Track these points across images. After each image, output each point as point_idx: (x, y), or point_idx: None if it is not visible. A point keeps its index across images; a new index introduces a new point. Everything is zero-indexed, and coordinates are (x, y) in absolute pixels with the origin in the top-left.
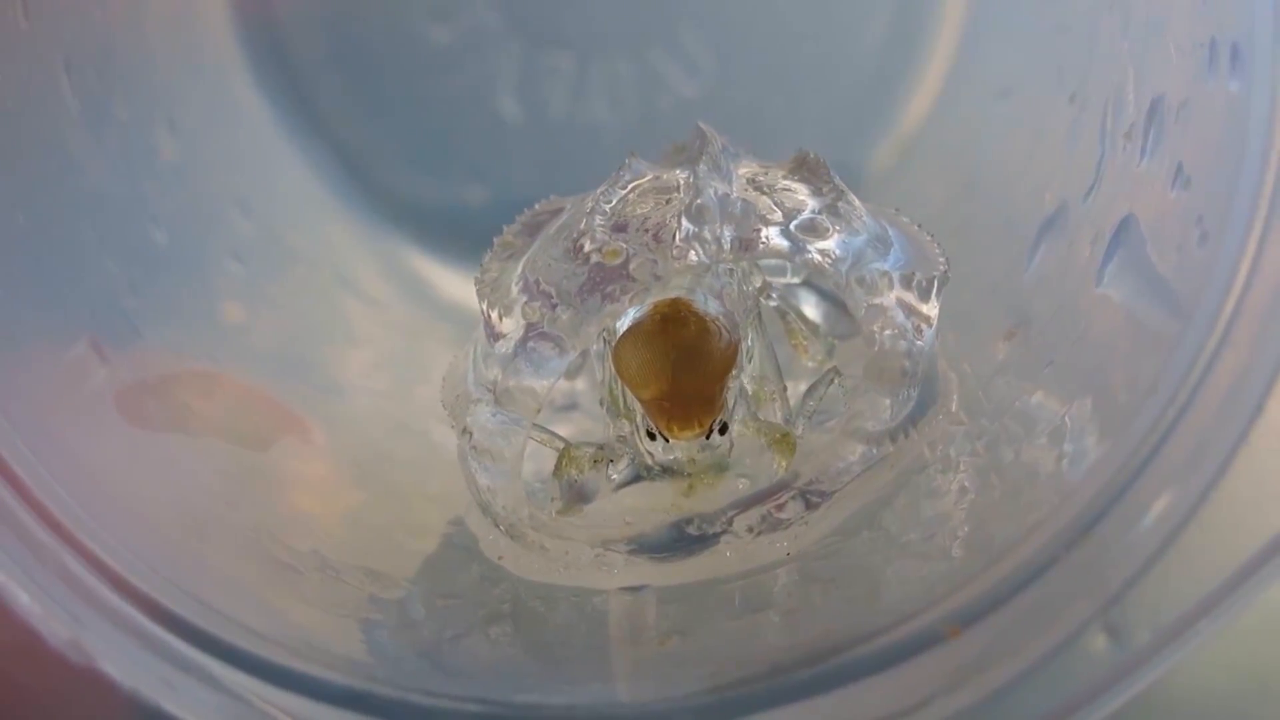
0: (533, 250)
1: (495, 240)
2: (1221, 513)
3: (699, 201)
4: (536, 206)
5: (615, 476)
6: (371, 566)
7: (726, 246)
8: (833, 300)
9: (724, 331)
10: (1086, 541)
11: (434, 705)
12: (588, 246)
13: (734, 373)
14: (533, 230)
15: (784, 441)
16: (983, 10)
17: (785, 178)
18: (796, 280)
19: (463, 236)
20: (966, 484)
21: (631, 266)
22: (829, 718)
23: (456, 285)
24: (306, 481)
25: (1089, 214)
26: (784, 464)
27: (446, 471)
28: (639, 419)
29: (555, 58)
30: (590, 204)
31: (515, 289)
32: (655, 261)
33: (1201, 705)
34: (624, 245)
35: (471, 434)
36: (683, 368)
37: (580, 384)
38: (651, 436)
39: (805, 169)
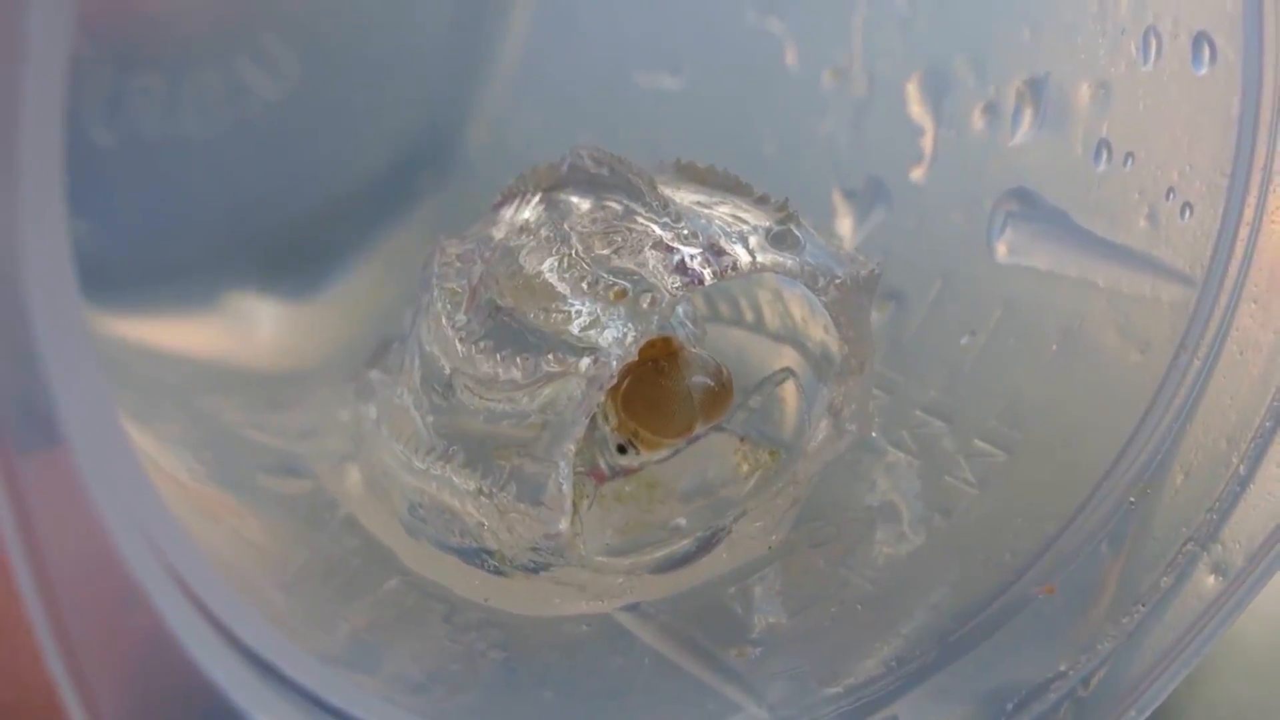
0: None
1: (436, 293)
2: None
3: (686, 230)
4: (446, 251)
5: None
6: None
7: (711, 268)
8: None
9: (720, 367)
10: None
11: None
12: (585, 285)
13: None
14: (453, 275)
15: (773, 459)
16: None
17: (711, 195)
18: None
19: (84, 274)
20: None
21: (644, 302)
22: (979, 685)
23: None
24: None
25: (933, 188)
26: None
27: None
28: (608, 437)
29: (145, 77)
30: (558, 239)
31: (510, 339)
32: (661, 294)
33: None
34: (624, 282)
35: (494, 491)
36: (701, 411)
37: None
38: (622, 451)
39: (712, 182)
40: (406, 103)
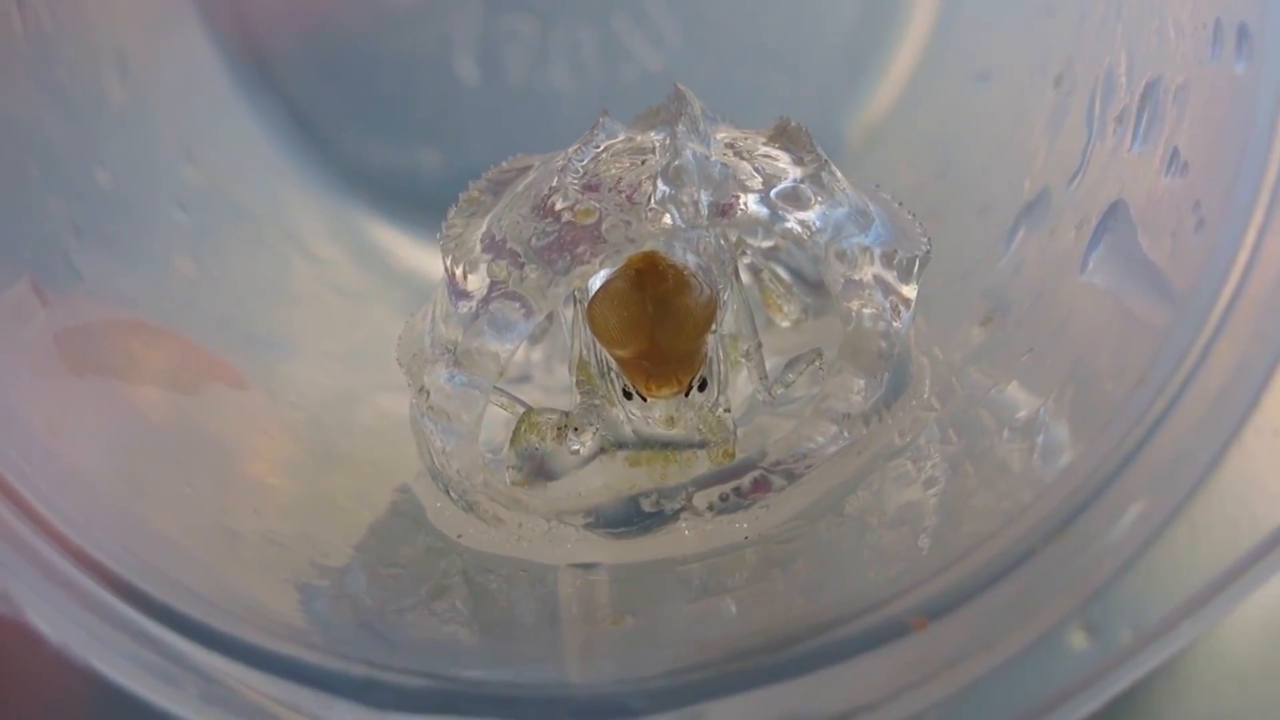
0: (499, 207)
1: (460, 196)
2: (1211, 510)
3: (676, 163)
4: (504, 164)
5: (579, 449)
6: (313, 532)
7: (703, 211)
8: (800, 274)
9: (702, 285)
10: (1065, 536)
11: (375, 677)
12: (559, 204)
13: (713, 328)
14: (499, 187)
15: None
16: None
17: (765, 144)
18: (769, 244)
19: (414, 200)
20: (939, 472)
21: (604, 227)
22: (790, 707)
23: (407, 249)
24: (249, 443)
25: (1074, 200)
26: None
27: (393, 438)
28: (615, 377)
29: (516, 21)
30: (562, 162)
31: (480, 246)
32: (629, 223)
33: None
34: (597, 205)
35: (429, 394)
36: (661, 324)
37: (536, 355)
38: (629, 396)
39: (786, 137)
40: (785, 93)
